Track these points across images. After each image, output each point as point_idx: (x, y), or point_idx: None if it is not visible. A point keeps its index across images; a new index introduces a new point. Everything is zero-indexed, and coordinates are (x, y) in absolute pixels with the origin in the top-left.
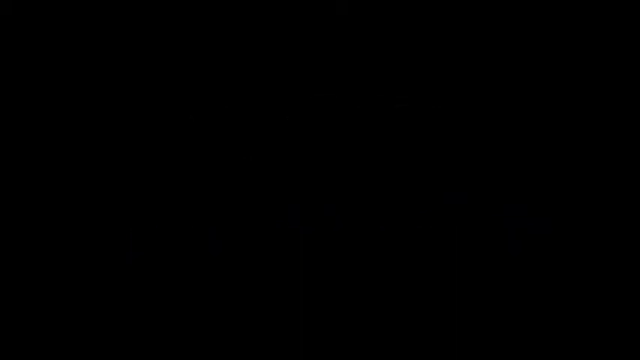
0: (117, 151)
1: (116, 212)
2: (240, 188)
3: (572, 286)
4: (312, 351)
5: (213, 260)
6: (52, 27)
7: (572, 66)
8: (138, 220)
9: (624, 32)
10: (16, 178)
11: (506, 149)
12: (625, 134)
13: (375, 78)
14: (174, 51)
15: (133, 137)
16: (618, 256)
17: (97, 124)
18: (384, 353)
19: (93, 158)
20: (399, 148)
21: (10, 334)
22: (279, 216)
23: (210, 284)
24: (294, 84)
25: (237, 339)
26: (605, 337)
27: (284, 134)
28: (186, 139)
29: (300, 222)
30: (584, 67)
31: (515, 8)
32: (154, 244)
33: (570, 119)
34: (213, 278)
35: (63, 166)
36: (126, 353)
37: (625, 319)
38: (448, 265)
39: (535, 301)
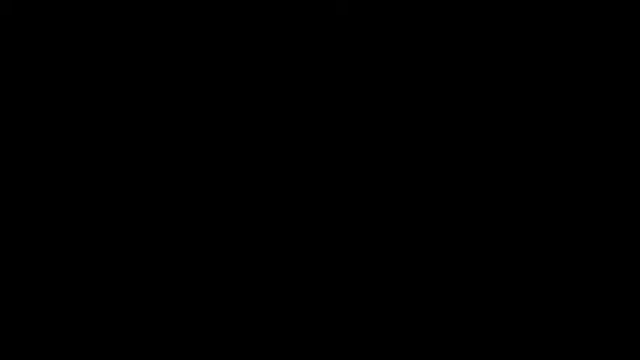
0: (117, 150)
1: (116, 212)
2: (240, 188)
3: (571, 286)
4: (312, 351)
5: (215, 258)
6: (52, 27)
7: (573, 66)
8: (136, 219)
9: (624, 32)
10: (16, 178)
11: (506, 149)
12: (625, 134)
13: (375, 78)
14: (174, 50)
15: (132, 137)
16: (618, 255)
17: (97, 124)
18: (384, 353)
19: (93, 158)
20: (398, 148)
21: (10, 334)
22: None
23: (210, 284)
24: (294, 84)
25: (237, 339)
26: (605, 336)
27: (284, 133)
28: (186, 138)
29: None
30: (585, 67)
31: (515, 8)
32: (154, 243)
33: (570, 119)
34: (213, 278)
35: (63, 166)
36: (126, 353)
37: (625, 318)
38: (448, 265)
39: (535, 300)
